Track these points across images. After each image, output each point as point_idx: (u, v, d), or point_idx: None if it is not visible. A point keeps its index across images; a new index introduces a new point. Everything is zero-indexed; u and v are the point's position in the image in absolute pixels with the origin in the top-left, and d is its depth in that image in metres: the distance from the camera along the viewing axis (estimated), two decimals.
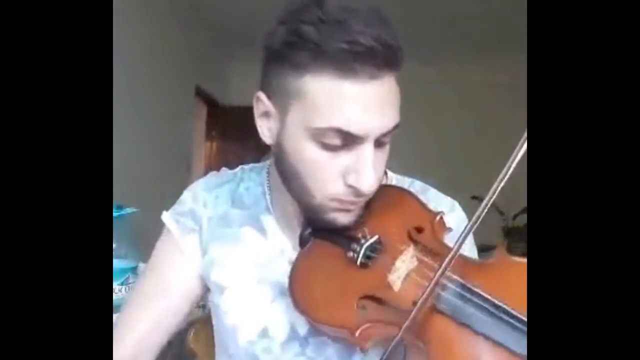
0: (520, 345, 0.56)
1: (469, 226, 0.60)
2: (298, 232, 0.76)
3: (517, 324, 0.57)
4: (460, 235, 0.60)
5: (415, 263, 0.66)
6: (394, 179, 0.83)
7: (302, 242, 0.75)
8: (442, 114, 4.54)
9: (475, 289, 0.61)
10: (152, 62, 3.14)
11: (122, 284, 1.19)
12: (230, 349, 0.79)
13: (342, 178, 0.67)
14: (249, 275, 0.78)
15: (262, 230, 0.80)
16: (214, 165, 4.62)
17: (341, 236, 0.71)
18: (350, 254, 0.69)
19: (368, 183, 0.66)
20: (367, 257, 0.68)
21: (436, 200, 0.80)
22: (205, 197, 0.82)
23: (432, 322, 0.61)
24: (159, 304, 0.80)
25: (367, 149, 0.65)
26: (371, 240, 0.69)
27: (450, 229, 0.72)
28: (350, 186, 0.66)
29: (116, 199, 0.95)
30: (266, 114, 0.71)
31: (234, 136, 4.67)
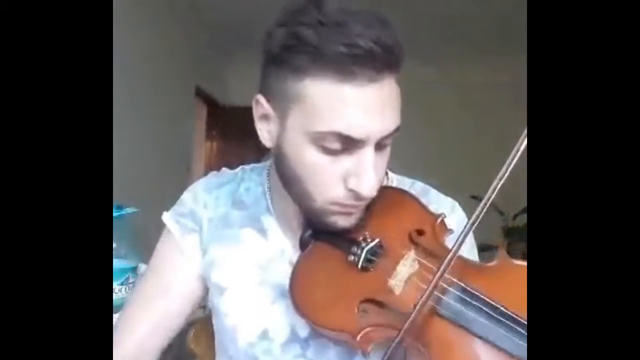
0: (520, 348, 0.56)
1: (467, 226, 0.60)
2: (298, 233, 0.75)
3: (518, 328, 0.57)
4: (459, 236, 0.60)
5: (417, 267, 0.66)
6: (395, 179, 0.83)
7: (303, 245, 0.74)
8: (442, 114, 4.54)
9: (477, 293, 0.61)
10: (152, 62, 3.14)
11: (122, 284, 1.19)
12: (230, 350, 0.79)
13: (342, 182, 0.66)
14: (250, 276, 0.78)
15: (262, 231, 0.80)
16: (214, 165, 4.62)
17: (342, 239, 0.71)
18: (351, 257, 0.68)
19: (369, 187, 0.65)
20: (368, 260, 0.68)
21: (437, 201, 0.80)
22: (206, 197, 0.82)
23: (432, 325, 0.61)
24: (159, 305, 0.79)
25: (368, 152, 0.65)
26: (372, 244, 0.68)
27: (451, 231, 0.71)
28: (351, 190, 0.66)
29: (116, 199, 0.95)
30: (265, 117, 0.70)
31: (234, 136, 4.67)
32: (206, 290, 0.82)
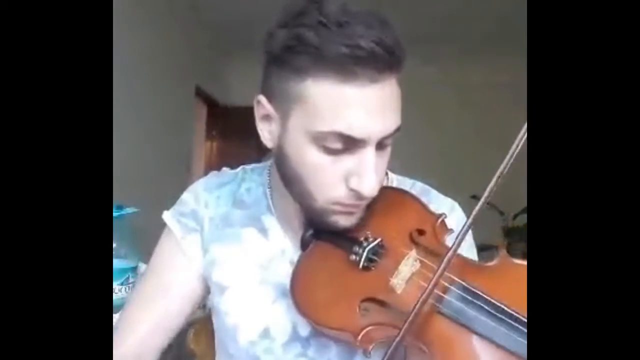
0: (520, 346, 0.56)
1: (467, 223, 0.60)
2: (299, 232, 0.75)
3: (519, 326, 0.57)
4: (459, 234, 0.60)
5: (418, 266, 0.66)
6: (395, 180, 0.83)
7: (304, 244, 0.75)
8: (442, 113, 4.54)
9: (478, 292, 0.61)
10: (152, 62, 3.14)
11: (122, 284, 1.18)
12: (231, 349, 0.79)
13: (344, 182, 0.66)
14: (251, 275, 0.78)
15: (263, 230, 0.80)
16: (214, 165, 4.62)
17: (343, 239, 0.71)
18: (353, 257, 0.69)
19: (370, 186, 0.65)
20: (369, 260, 0.68)
21: (437, 201, 0.80)
22: (207, 197, 0.82)
23: (434, 324, 0.61)
24: (160, 304, 0.79)
25: (369, 152, 0.65)
26: (374, 243, 0.69)
27: (451, 231, 0.72)
28: (352, 190, 0.66)
29: (116, 199, 0.95)
30: (267, 118, 0.70)
31: (234, 136, 4.67)
32: (207, 290, 0.82)
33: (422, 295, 0.59)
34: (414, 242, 0.69)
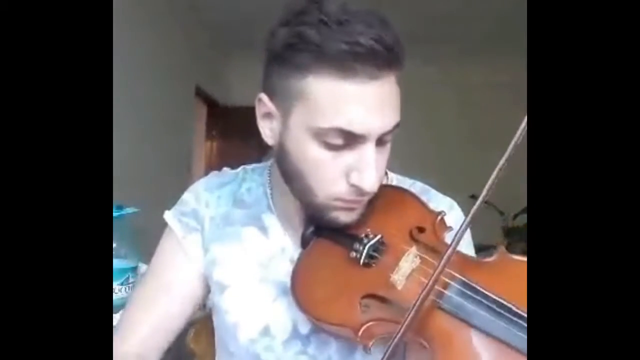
0: (519, 341, 0.57)
1: (467, 220, 0.61)
2: (300, 230, 0.76)
3: (518, 320, 0.58)
4: (458, 230, 0.61)
5: (418, 262, 0.67)
6: (395, 179, 0.84)
7: (304, 242, 0.75)
8: (442, 113, 4.54)
9: (477, 287, 0.62)
10: (152, 62, 3.14)
11: (122, 284, 1.19)
12: (231, 347, 0.79)
13: (344, 177, 0.67)
14: (251, 273, 0.78)
15: (263, 229, 0.80)
16: (214, 165, 4.62)
17: (344, 236, 0.72)
18: (353, 254, 0.69)
19: (370, 182, 0.66)
20: (370, 256, 0.69)
21: (436, 200, 0.81)
22: (208, 197, 0.83)
23: (434, 320, 0.62)
24: (161, 304, 0.80)
25: (369, 148, 0.66)
26: (374, 240, 0.69)
27: (450, 228, 0.72)
28: (353, 185, 0.67)
29: (116, 199, 0.95)
30: (268, 115, 0.71)
31: (234, 136, 4.67)
32: (207, 290, 0.82)
33: (423, 290, 0.59)
34: (414, 239, 0.70)
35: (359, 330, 0.63)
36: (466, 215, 0.62)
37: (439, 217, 0.72)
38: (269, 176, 0.83)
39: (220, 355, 0.83)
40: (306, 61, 0.64)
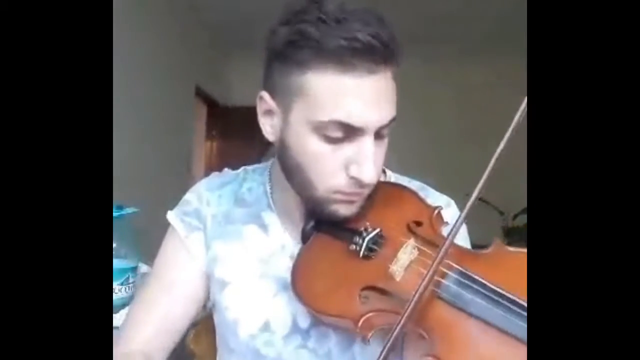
0: (517, 327, 0.58)
1: (465, 211, 0.62)
2: (300, 226, 0.77)
3: (515, 308, 0.59)
4: (456, 222, 0.62)
5: (416, 254, 0.68)
6: (393, 177, 0.85)
7: (305, 237, 0.76)
8: (442, 113, 4.55)
9: (475, 276, 0.63)
10: (152, 62, 3.14)
11: (122, 284, 1.19)
12: (232, 343, 0.79)
13: (344, 170, 0.69)
14: (251, 270, 0.79)
15: (263, 226, 0.81)
16: (214, 165, 4.63)
17: (343, 230, 0.73)
18: (353, 247, 0.70)
19: (369, 174, 0.68)
20: (369, 249, 0.70)
21: (433, 198, 0.82)
22: (209, 196, 0.84)
23: (433, 310, 0.63)
24: (164, 304, 0.80)
25: (368, 141, 0.68)
26: (373, 233, 0.70)
27: (447, 223, 0.74)
28: (352, 177, 0.69)
29: (116, 199, 0.95)
30: (269, 112, 0.73)
31: (234, 136, 4.68)
32: (209, 290, 0.83)
33: (423, 279, 0.60)
34: (412, 232, 0.71)
35: (358, 321, 0.64)
36: (463, 209, 0.63)
37: (436, 212, 0.73)
38: (269, 176, 0.84)
39: (221, 353, 0.84)
40: (306, 57, 0.66)
